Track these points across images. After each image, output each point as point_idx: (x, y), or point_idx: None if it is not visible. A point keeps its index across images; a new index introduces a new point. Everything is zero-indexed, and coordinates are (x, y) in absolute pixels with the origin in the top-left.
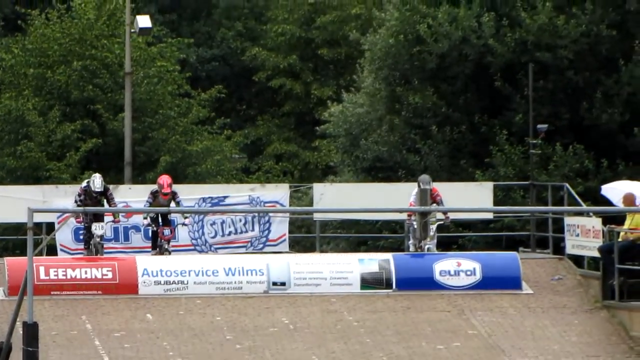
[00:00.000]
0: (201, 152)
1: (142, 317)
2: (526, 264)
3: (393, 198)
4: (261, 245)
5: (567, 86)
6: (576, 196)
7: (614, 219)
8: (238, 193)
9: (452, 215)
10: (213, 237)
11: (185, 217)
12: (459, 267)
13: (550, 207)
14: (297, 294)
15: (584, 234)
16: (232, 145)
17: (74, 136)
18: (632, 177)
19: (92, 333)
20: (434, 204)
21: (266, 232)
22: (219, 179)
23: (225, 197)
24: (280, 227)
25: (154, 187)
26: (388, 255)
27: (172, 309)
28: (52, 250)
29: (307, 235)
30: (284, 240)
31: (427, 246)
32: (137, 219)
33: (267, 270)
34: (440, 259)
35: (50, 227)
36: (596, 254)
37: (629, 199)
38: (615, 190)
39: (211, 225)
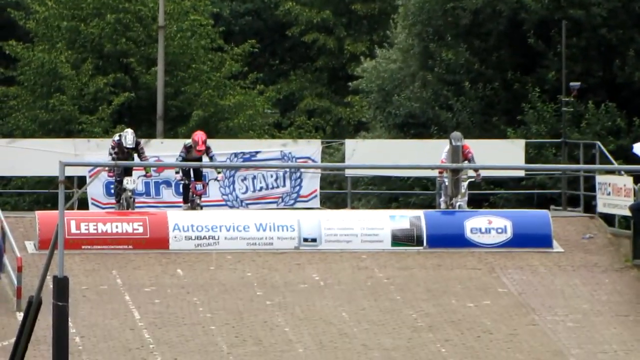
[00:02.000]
0: (233, 106)
1: (173, 272)
2: (557, 222)
3: (425, 155)
4: (292, 201)
5: (600, 44)
6: (608, 154)
7: None
8: (270, 148)
9: (484, 173)
10: (244, 193)
11: (218, 172)
12: (490, 225)
13: (581, 166)
14: (328, 250)
15: (615, 193)
16: (265, 100)
17: (107, 89)
18: None
19: (122, 288)
20: (466, 161)
21: (297, 188)
22: (251, 134)
23: (257, 152)
24: (311, 183)
25: (188, 141)
26: (419, 212)
27: (203, 265)
28: (83, 204)
29: (338, 192)
30: (315, 196)
31: (458, 203)
32: (169, 174)
33: (298, 226)
34: (471, 216)
35: (81, 181)
36: (627, 213)
37: None
38: None
39: (242, 180)
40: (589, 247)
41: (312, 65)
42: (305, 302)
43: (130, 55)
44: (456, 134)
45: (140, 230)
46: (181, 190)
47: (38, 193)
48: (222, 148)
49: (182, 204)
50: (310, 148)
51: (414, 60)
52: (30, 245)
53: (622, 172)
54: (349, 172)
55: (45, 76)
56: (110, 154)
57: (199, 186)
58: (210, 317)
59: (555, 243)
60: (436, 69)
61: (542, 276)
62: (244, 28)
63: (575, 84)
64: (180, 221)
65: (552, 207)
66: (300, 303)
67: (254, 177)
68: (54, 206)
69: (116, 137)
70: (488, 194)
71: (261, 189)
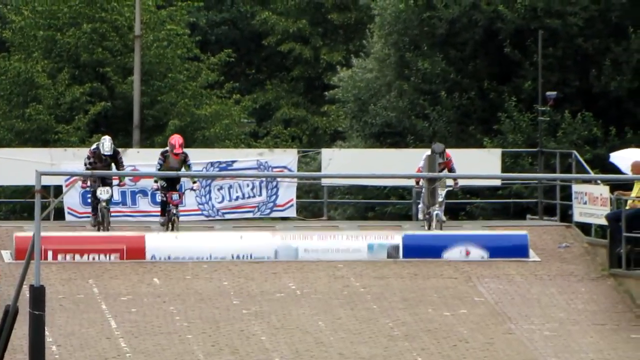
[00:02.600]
0: (210, 116)
1: (149, 282)
2: (533, 232)
3: (401, 164)
4: (268, 211)
5: (577, 53)
6: (584, 164)
7: (621, 186)
8: (246, 158)
9: (461, 182)
10: (220, 202)
11: (194, 182)
12: (467, 257)
13: (558, 175)
14: (304, 260)
15: (592, 202)
16: (241, 109)
17: (83, 99)
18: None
19: (99, 297)
20: (446, 170)
21: (274, 197)
22: (227, 143)
23: (233, 161)
24: (287, 192)
25: (165, 148)
26: (398, 240)
27: (179, 274)
28: (59, 213)
29: (314, 201)
30: (292, 205)
31: (435, 212)
32: (146, 183)
33: (275, 256)
34: (449, 245)
35: (58, 190)
36: (603, 222)
37: (637, 167)
38: (623, 159)
39: (218, 190)
40: (566, 256)
41: (289, 74)
42: (282, 311)
43: (106, 65)
44: (439, 145)
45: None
46: (158, 201)
47: (14, 202)
48: (199, 157)
49: (159, 215)
50: (287, 157)
51: (390, 69)
52: (6, 255)
53: (599, 182)
54: (325, 182)
55: (21, 85)
56: (85, 164)
57: (175, 196)
58: (187, 325)
59: (531, 252)
60: (412, 79)
61: (518, 285)
62: (220, 37)
63: (552, 94)
64: (157, 252)
65: (528, 216)
66: (277, 312)
67: (230, 187)
68: (30, 215)
69: (93, 146)
70: (465, 203)
71: (237, 198)
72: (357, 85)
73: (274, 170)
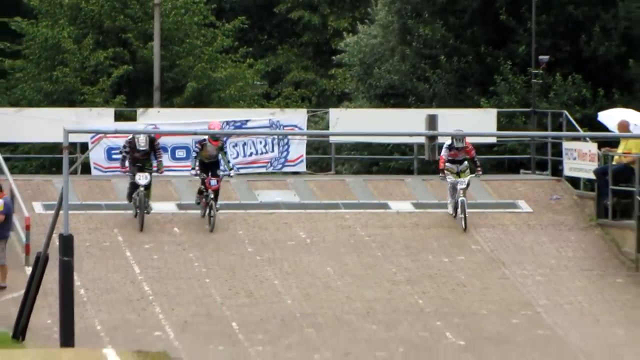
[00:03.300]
0: (225, 78)
1: (170, 231)
2: (526, 185)
3: (403, 123)
4: (280, 166)
5: (568, 20)
6: (574, 122)
7: (608, 143)
8: (259, 117)
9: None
10: (235, 158)
11: (231, 169)
12: None
13: (549, 133)
14: (314, 211)
15: (581, 158)
16: (254, 72)
17: (107, 63)
18: (626, 105)
19: (123, 245)
20: (468, 160)
21: (285, 153)
22: (241, 104)
23: (247, 120)
24: (298, 149)
25: (202, 137)
26: None
27: (198, 224)
28: (86, 168)
29: (323, 157)
30: (302, 161)
31: (460, 198)
32: (166, 140)
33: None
34: None
35: (84, 147)
36: (592, 176)
37: (623, 126)
38: (610, 118)
39: (233, 147)
40: (556, 208)
41: (298, 40)
42: (293, 258)
43: (128, 31)
44: (458, 133)
45: None
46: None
47: (44, 158)
48: (215, 117)
49: (196, 198)
50: (297, 117)
51: (393, 35)
52: (37, 206)
53: (587, 139)
54: (333, 139)
55: (49, 50)
56: (121, 152)
57: (213, 182)
58: (205, 271)
59: (524, 203)
60: (414, 44)
61: (512, 234)
62: (234, 5)
63: (544, 58)
64: None
65: (522, 170)
66: (288, 259)
67: (245, 144)
68: (59, 170)
69: (130, 137)
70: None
71: (251, 154)
72: (362, 50)
73: (285, 128)
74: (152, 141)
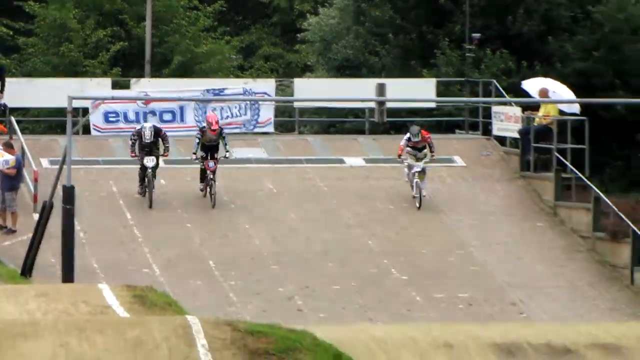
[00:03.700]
0: (206, 53)
1: (157, 182)
2: (461, 143)
3: (357, 90)
4: (252, 127)
5: (497, 3)
6: (501, 90)
7: (531, 107)
8: (234, 86)
9: (403, 104)
10: None
11: (227, 152)
12: None
13: (481, 99)
14: (280, 166)
15: (507, 120)
16: (231, 48)
17: (105, 40)
18: (546, 75)
19: (117, 195)
20: (426, 147)
21: (256, 116)
22: (219, 74)
23: (224, 88)
24: (267, 113)
25: (202, 124)
26: None
27: (182, 176)
28: (87, 129)
29: (288, 119)
30: (270, 123)
31: (415, 180)
32: (155, 106)
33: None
34: None
35: (85, 111)
36: (516, 135)
37: (543, 92)
38: (532, 85)
39: (212, 110)
40: (486, 162)
41: (269, 20)
42: (262, 206)
43: (124, 13)
44: (415, 127)
45: None
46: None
47: (50, 120)
48: (198, 85)
49: (200, 184)
50: (267, 85)
51: (348, 16)
52: (44, 161)
53: (513, 104)
54: (297, 104)
55: (56, 29)
56: (131, 139)
57: (211, 163)
58: (187, 217)
59: (459, 158)
60: (366, 24)
61: (448, 185)
62: None
63: (476, 35)
64: None
65: (457, 131)
66: (258, 206)
67: (222, 108)
68: (63, 131)
69: (138, 127)
70: (407, 120)
71: (227, 117)
72: (322, 29)
73: (256, 95)
74: (157, 132)
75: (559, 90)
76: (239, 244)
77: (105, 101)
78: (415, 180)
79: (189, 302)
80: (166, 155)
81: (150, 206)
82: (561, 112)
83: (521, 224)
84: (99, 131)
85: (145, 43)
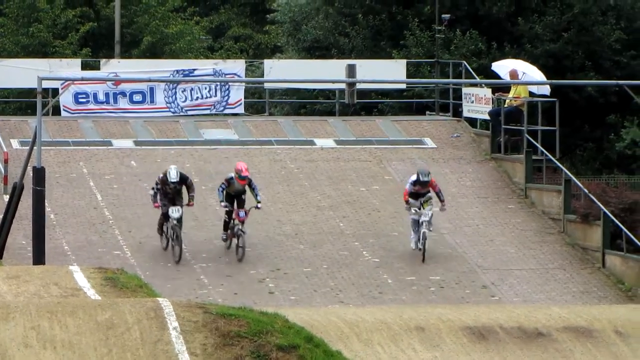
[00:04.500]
0: (175, 34)
1: (128, 164)
2: (431, 124)
3: (327, 71)
4: (222, 108)
5: None
6: (472, 71)
7: (501, 89)
8: (204, 66)
9: (373, 86)
10: (184, 101)
11: (259, 202)
12: None
13: (451, 80)
14: (250, 147)
15: (478, 101)
16: (200, 28)
17: (75, 20)
18: (515, 57)
19: (87, 176)
20: (431, 194)
21: (226, 97)
22: (189, 55)
23: (194, 69)
24: (237, 94)
25: (230, 174)
26: None
27: (152, 158)
28: (57, 110)
29: (258, 100)
30: (240, 104)
31: (422, 230)
32: (125, 87)
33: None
34: None
35: (55, 92)
36: (487, 117)
37: (513, 74)
38: (503, 67)
39: (182, 92)
40: (457, 144)
41: (238, 1)
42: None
43: None
44: (423, 169)
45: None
46: (224, 217)
47: (21, 101)
48: (167, 66)
49: (222, 234)
50: (237, 66)
51: None
52: (14, 142)
53: (483, 85)
54: (267, 85)
55: (25, 9)
56: (153, 188)
57: (242, 213)
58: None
59: (429, 140)
60: (336, 4)
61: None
62: None
63: (446, 16)
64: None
65: (427, 112)
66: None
67: (192, 89)
68: (33, 112)
69: (161, 175)
70: (377, 102)
71: (197, 98)
72: (292, 9)
73: (226, 76)
74: (183, 179)
75: (529, 72)
76: (209, 226)
77: (75, 82)
78: (422, 230)
79: (160, 284)
80: (191, 205)
81: (178, 261)
82: (531, 94)
83: (492, 206)
84: (68, 112)
85: (115, 23)
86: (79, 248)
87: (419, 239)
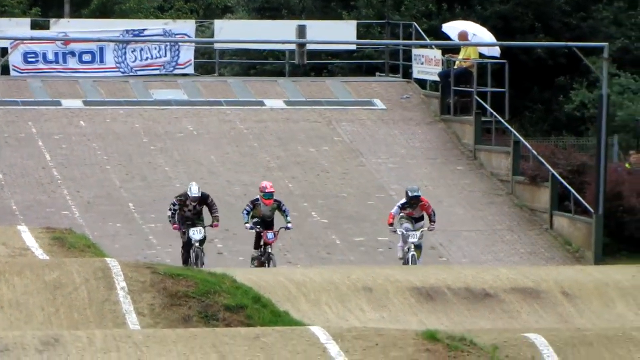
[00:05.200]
0: None
1: (77, 124)
2: (381, 86)
3: (277, 32)
4: (172, 69)
5: None
6: (422, 33)
7: (451, 50)
8: (155, 27)
9: (324, 47)
10: (134, 62)
11: (289, 223)
12: None
13: (401, 42)
14: (200, 108)
15: (428, 63)
16: None
17: None
18: (466, 18)
19: (36, 136)
20: (424, 216)
21: (176, 58)
22: (139, 15)
23: (144, 29)
24: (187, 54)
25: (255, 196)
26: None
27: (101, 118)
28: (6, 70)
29: (208, 61)
30: (190, 64)
31: (411, 253)
32: (74, 47)
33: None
34: None
35: (4, 52)
36: (437, 79)
37: (463, 36)
38: (453, 28)
39: (132, 52)
40: (406, 106)
41: None
42: (182, 148)
43: None
44: (414, 188)
45: None
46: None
47: None
48: (117, 26)
49: (253, 253)
50: (187, 27)
51: None
52: None
53: (433, 47)
54: (217, 46)
55: None
56: (170, 209)
57: (270, 235)
58: (107, 159)
59: (379, 101)
60: None
61: (369, 128)
62: None
63: None
64: None
65: (377, 74)
66: (178, 148)
67: (142, 50)
68: None
69: (181, 195)
70: (327, 63)
71: (147, 59)
72: None
73: (177, 37)
74: (205, 197)
75: (480, 34)
76: (158, 187)
77: (25, 42)
78: (411, 254)
79: (109, 245)
80: (215, 226)
81: None
82: (481, 56)
83: (441, 167)
84: (18, 72)
85: None
86: (28, 208)
87: (406, 257)
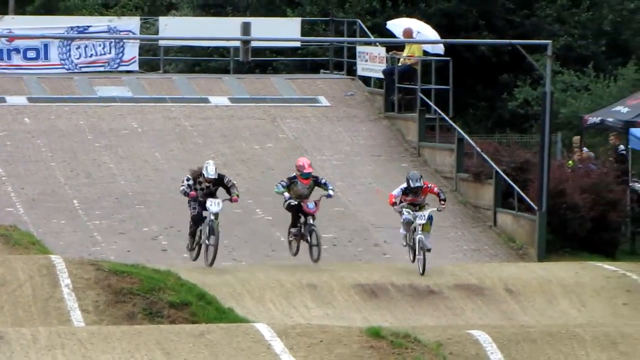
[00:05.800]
0: None
1: (21, 121)
2: (325, 83)
3: (222, 29)
4: (116, 65)
5: None
6: (366, 30)
7: (395, 47)
8: (99, 23)
9: (268, 44)
10: (78, 58)
11: (330, 189)
12: None
13: (345, 38)
14: (144, 104)
15: (372, 60)
16: None
17: None
18: (410, 15)
19: None
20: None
21: (120, 54)
22: (84, 11)
23: (89, 26)
24: (132, 51)
25: (292, 173)
26: None
27: (45, 115)
28: None
29: (153, 58)
30: (135, 61)
31: (418, 237)
32: (19, 43)
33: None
34: None
35: None
36: (381, 76)
37: (408, 33)
38: (397, 25)
39: (76, 48)
40: (350, 102)
41: None
42: (126, 145)
43: None
44: (414, 173)
45: None
46: (290, 208)
47: None
48: (62, 23)
49: (290, 229)
50: (131, 23)
51: None
52: None
53: (377, 44)
54: (162, 43)
55: None
56: (183, 184)
57: (311, 204)
58: (51, 155)
59: (323, 98)
60: None
61: (313, 125)
62: None
63: None
64: None
65: (322, 71)
66: (122, 145)
67: (86, 46)
68: None
69: (195, 168)
70: (271, 60)
71: (91, 55)
72: None
73: (121, 33)
74: (221, 178)
75: (424, 31)
76: (103, 184)
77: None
78: (418, 236)
79: (53, 241)
80: (235, 200)
81: (212, 264)
82: (425, 53)
83: (385, 164)
84: None
85: None
86: None
87: (415, 250)
